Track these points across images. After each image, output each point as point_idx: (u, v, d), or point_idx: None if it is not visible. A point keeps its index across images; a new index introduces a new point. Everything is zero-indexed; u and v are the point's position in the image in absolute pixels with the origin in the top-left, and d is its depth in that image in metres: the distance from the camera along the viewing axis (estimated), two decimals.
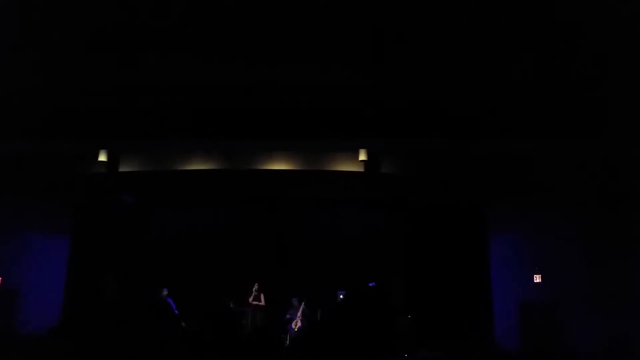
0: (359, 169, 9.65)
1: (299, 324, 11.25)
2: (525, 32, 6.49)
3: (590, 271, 9.38)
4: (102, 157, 9.81)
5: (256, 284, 11.77)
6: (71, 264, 11.87)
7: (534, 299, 10.14)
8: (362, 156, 9.44)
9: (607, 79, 7.29)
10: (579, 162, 8.90)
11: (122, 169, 10.16)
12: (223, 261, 12.54)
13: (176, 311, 10.12)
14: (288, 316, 11.64)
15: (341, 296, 10.78)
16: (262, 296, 11.75)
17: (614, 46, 6.62)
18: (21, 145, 9.42)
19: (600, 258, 9.34)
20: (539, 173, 9.41)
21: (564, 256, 9.67)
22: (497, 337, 10.93)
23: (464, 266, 11.44)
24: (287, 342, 10.99)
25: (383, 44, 6.89)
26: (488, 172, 9.72)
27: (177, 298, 11.05)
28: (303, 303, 11.53)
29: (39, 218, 11.21)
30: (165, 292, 11.22)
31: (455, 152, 9.44)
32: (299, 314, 11.43)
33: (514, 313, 10.48)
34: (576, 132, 8.07)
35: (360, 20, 6.37)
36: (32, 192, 10.86)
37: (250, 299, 11.67)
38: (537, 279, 10.00)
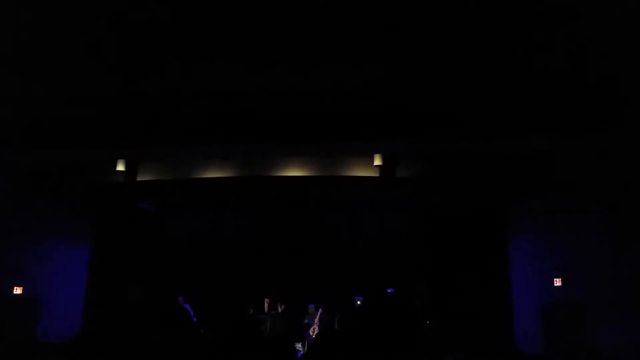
0: (374, 174, 9.59)
1: (317, 330, 11.19)
2: (541, 27, 6.40)
3: (615, 272, 9.13)
4: (121, 167, 9.92)
5: (266, 300, 11.46)
6: (91, 272, 12.01)
7: (556, 301, 9.95)
8: (377, 161, 9.38)
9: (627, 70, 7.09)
10: (603, 157, 8.67)
11: (140, 177, 10.27)
12: (242, 268, 12.57)
13: (194, 318, 10.15)
14: (306, 321, 11.59)
15: (358, 302, 10.71)
16: (278, 305, 11.57)
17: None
18: (41, 154, 9.54)
19: (626, 258, 9.08)
20: (560, 171, 9.23)
21: (588, 256, 9.45)
22: (519, 340, 10.76)
23: (485, 268, 11.30)
24: (305, 348, 10.94)
25: (400, 43, 6.83)
26: (507, 171, 9.57)
27: (197, 305, 11.10)
28: (321, 309, 11.47)
29: (59, 227, 11.34)
30: (180, 301, 11.22)
31: (472, 152, 9.32)
32: (316, 320, 11.38)
33: (536, 315, 10.30)
34: (598, 126, 7.87)
35: (373, 19, 6.32)
36: (52, 201, 11.00)
37: (266, 309, 11.50)
38: (558, 282, 9.79)
